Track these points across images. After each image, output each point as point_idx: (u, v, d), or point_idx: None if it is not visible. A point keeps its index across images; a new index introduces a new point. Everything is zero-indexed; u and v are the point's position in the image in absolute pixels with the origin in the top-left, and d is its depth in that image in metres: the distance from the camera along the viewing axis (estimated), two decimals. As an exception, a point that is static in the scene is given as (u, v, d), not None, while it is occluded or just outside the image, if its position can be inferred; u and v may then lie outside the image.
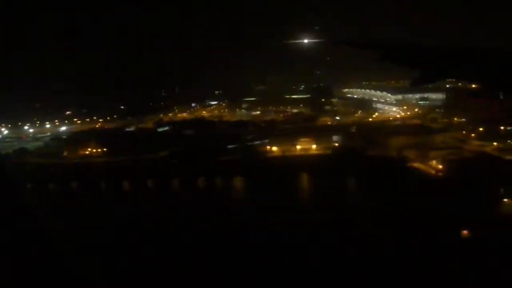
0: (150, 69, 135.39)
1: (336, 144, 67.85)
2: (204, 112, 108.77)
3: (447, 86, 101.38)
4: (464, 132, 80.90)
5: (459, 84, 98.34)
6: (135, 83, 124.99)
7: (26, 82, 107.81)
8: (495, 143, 73.05)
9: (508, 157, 66.09)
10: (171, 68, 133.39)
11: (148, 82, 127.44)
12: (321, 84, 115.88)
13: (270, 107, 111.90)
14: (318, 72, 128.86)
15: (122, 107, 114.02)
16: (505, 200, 46.88)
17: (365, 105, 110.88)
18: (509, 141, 73.46)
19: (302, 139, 67.93)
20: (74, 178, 62.88)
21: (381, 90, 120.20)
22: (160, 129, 78.72)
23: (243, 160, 64.29)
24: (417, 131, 74.18)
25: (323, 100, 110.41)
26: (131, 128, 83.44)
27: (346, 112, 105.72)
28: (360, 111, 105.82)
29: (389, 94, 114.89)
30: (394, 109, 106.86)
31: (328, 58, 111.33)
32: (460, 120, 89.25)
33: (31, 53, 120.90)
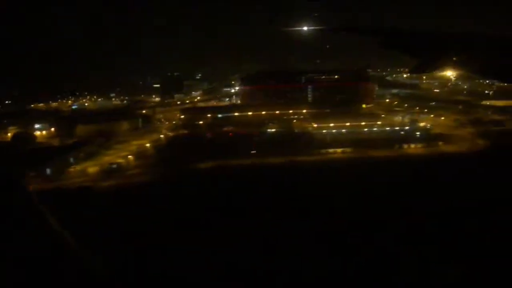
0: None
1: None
2: (70, 101, 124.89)
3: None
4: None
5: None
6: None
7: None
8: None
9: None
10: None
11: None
12: (175, 73, 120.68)
13: (131, 97, 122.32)
14: (318, 61, 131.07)
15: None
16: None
17: (215, 93, 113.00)
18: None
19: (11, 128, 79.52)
20: None
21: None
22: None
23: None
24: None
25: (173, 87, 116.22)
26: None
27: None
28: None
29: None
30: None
31: (328, 46, 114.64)
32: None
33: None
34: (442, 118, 71.18)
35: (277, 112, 73.59)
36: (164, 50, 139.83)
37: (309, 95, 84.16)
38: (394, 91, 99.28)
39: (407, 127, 59.78)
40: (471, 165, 45.75)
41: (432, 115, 73.40)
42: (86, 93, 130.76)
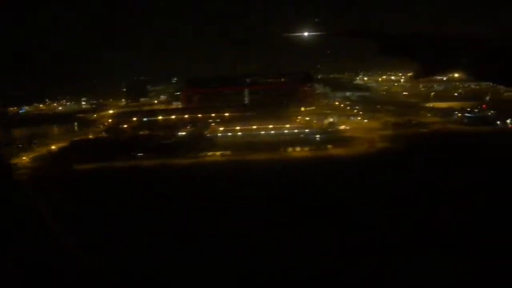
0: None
1: None
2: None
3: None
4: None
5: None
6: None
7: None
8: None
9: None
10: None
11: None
12: (141, 78, 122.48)
13: (103, 100, 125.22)
14: (318, 66, 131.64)
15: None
16: None
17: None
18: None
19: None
20: None
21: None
22: None
23: None
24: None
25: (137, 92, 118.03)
26: None
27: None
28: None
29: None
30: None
31: (329, 51, 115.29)
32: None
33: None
34: (365, 120, 68.77)
35: (201, 115, 73.18)
36: (162, 52, 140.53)
37: (246, 98, 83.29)
38: (348, 93, 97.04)
39: (307, 130, 58.06)
40: (337, 168, 44.04)
41: (359, 118, 71.19)
42: (68, 96, 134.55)
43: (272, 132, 58.03)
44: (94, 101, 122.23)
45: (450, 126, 67.50)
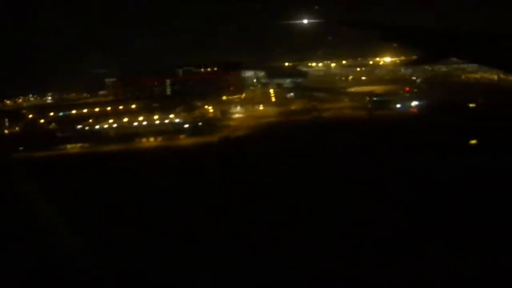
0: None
1: None
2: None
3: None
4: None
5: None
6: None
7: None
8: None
9: None
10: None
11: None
12: (99, 71, 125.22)
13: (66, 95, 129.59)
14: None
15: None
16: None
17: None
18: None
19: None
20: None
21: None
22: None
23: None
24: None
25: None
26: None
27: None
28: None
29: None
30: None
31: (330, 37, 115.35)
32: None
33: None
34: (261, 108, 68.57)
35: (110, 108, 75.00)
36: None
37: (168, 89, 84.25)
38: (288, 81, 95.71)
39: (178, 120, 58.66)
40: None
41: (259, 105, 71.16)
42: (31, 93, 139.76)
43: (146, 123, 59.06)
44: (56, 96, 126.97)
45: (346, 111, 66.06)
